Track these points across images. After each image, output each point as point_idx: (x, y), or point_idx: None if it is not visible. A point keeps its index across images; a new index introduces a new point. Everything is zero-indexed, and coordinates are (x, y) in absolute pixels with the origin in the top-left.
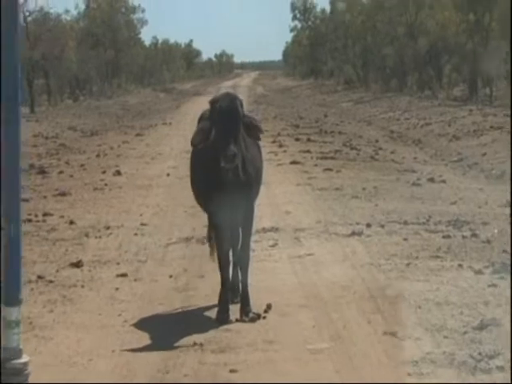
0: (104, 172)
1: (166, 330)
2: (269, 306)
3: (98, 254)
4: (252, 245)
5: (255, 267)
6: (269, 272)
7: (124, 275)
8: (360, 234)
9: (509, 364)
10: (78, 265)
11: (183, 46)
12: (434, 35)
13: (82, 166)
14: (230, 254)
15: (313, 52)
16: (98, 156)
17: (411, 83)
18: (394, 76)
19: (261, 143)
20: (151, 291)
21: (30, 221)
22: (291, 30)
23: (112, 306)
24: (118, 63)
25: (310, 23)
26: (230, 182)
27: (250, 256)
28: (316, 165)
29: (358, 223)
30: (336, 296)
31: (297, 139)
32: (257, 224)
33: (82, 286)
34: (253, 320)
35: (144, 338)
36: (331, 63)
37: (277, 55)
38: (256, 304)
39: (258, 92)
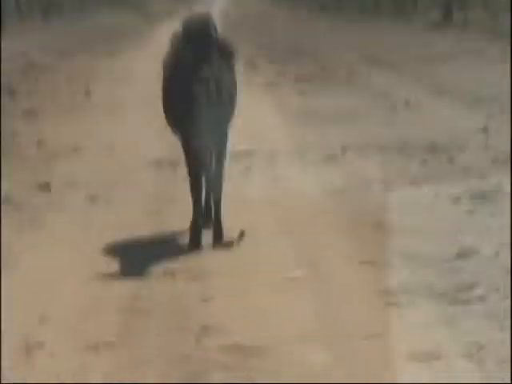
0: (74, 93)
1: (136, 257)
2: (242, 233)
3: (68, 177)
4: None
5: (227, 193)
6: (242, 198)
7: (94, 198)
8: (335, 158)
9: (489, 294)
10: (47, 187)
11: None
12: None
13: (53, 86)
14: (203, 179)
15: None
16: (68, 76)
17: (386, 8)
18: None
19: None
20: (122, 216)
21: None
22: None
23: (82, 232)
24: None
25: None
26: (203, 106)
27: (223, 181)
28: (291, 87)
29: (333, 148)
30: (312, 223)
31: (271, 61)
32: (230, 147)
33: (51, 210)
34: (226, 247)
35: (114, 266)
36: None
37: None
38: (229, 230)
39: (232, 15)
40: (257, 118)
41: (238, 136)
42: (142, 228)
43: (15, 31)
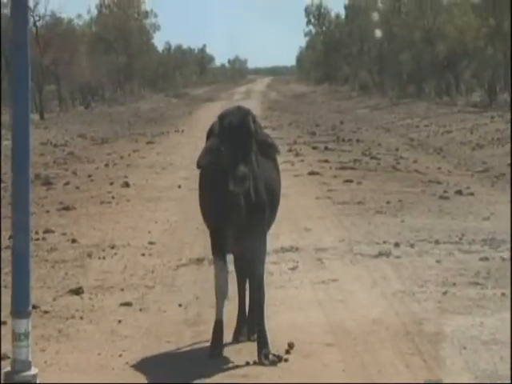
0: (112, 183)
1: (173, 374)
2: (291, 345)
3: (101, 279)
4: (270, 267)
5: (273, 295)
6: (289, 301)
7: (128, 304)
8: (388, 254)
9: None
10: (77, 292)
11: (196, 51)
12: (452, 40)
13: (90, 176)
14: (246, 284)
15: (327, 57)
16: (106, 165)
17: (429, 89)
18: (411, 82)
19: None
20: (158, 324)
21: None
22: (305, 35)
23: (113, 344)
24: (131, 69)
25: (324, 28)
26: (239, 207)
27: (264, 289)
28: (335, 176)
29: (384, 242)
30: (367, 332)
31: (314, 147)
32: (275, 242)
33: (81, 318)
34: (273, 363)
35: None
36: (346, 69)
37: (290, 61)
38: (276, 341)
39: (272, 98)
40: (301, 208)
41: (282, 228)
42: (180, 338)
43: (56, 121)
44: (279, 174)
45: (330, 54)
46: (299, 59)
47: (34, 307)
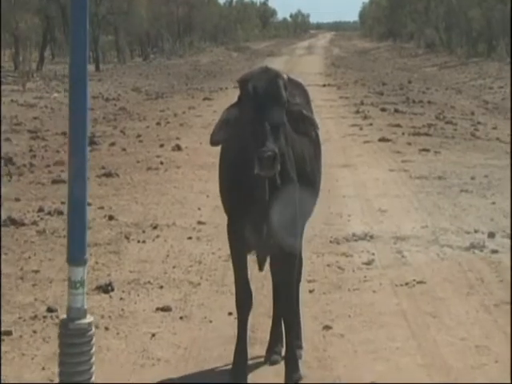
0: (162, 145)
1: None
2: None
3: (137, 270)
4: (341, 261)
5: (346, 301)
6: (366, 312)
7: (167, 309)
8: (482, 247)
9: None
10: (106, 289)
11: (258, 4)
12: None
13: (139, 136)
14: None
15: (391, 13)
16: (158, 124)
17: (500, 48)
18: (480, 40)
19: (340, 115)
20: (201, 341)
21: (60, 213)
22: None
23: (141, 371)
24: (191, 21)
25: None
26: (263, 196)
27: (294, 301)
28: (409, 143)
29: (476, 231)
30: (471, 367)
31: (382, 109)
32: (345, 228)
33: (106, 329)
34: None
35: None
36: (411, 25)
37: (353, 16)
38: (357, 372)
39: (335, 54)
40: (374, 182)
41: (353, 209)
42: (228, 363)
43: (112, 72)
44: (319, 155)
45: (395, 10)
46: (362, 15)
47: (51, 311)
